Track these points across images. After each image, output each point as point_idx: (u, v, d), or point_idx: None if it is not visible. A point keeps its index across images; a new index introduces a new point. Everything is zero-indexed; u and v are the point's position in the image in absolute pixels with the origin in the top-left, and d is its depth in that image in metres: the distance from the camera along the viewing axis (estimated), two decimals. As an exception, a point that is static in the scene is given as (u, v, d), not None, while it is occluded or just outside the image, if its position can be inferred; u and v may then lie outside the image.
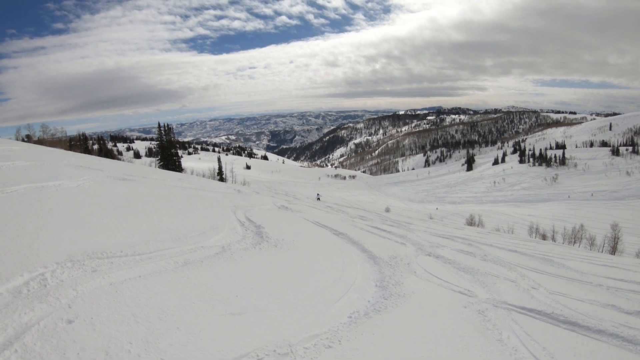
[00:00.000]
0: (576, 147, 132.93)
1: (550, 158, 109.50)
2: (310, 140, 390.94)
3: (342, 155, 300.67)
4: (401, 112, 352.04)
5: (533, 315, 4.10)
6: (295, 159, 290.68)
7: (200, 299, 3.12)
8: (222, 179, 38.31)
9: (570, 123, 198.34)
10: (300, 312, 3.26)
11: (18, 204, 4.74)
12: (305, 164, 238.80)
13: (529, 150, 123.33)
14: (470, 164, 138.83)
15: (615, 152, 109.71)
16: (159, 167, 36.09)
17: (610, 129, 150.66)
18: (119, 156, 68.77)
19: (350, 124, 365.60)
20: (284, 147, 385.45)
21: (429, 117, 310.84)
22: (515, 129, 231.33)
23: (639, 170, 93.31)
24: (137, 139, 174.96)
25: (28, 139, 35.42)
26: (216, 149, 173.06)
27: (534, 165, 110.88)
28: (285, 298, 3.51)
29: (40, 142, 32.67)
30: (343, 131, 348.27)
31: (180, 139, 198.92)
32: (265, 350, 2.53)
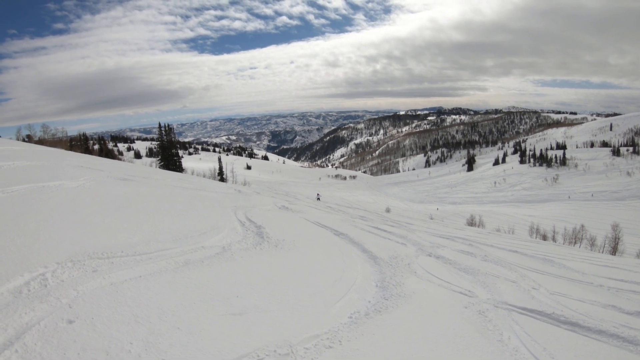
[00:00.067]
0: (577, 147, 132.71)
1: (551, 158, 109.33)
2: (310, 140, 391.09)
3: (342, 156, 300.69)
4: (402, 113, 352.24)
5: (534, 316, 4.10)
6: (296, 159, 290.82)
7: (200, 299, 3.12)
8: (222, 179, 38.30)
9: (571, 123, 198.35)
10: (300, 313, 3.26)
11: (19, 204, 4.75)
12: (306, 164, 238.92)
13: (530, 150, 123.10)
14: (470, 164, 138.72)
15: (616, 152, 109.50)
16: (159, 167, 36.12)
17: (610, 129, 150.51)
18: (120, 156, 68.76)
19: (351, 124, 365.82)
20: (285, 147, 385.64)
21: (429, 118, 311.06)
22: (515, 130, 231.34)
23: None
24: (137, 139, 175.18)
25: (29, 139, 35.44)
26: (217, 149, 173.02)
27: (534, 165, 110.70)
28: (286, 298, 3.51)
29: (41, 142, 32.68)
30: (344, 131, 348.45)
31: (181, 139, 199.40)
32: (265, 350, 2.53)
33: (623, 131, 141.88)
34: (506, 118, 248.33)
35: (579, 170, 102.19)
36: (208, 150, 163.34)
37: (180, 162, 39.85)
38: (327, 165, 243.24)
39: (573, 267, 7.64)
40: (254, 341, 2.62)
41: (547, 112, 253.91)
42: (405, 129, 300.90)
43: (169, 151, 38.53)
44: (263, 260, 4.63)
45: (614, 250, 31.97)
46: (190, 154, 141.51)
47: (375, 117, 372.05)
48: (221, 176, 40.02)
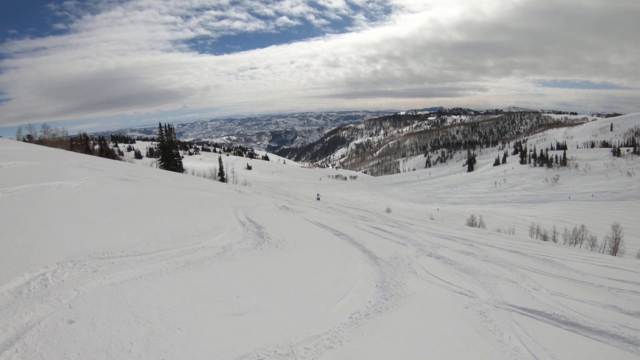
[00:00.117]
0: (577, 147, 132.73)
1: (551, 159, 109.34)
2: (311, 140, 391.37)
3: (343, 156, 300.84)
4: (402, 113, 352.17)
5: (534, 316, 4.09)
6: (296, 160, 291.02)
7: (201, 299, 3.12)
8: (223, 180, 38.33)
9: (572, 124, 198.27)
10: (301, 313, 3.26)
11: (19, 204, 4.75)
12: (306, 164, 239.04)
13: (530, 150, 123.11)
14: (471, 164, 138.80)
15: (617, 152, 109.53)
16: (160, 167, 36.14)
17: (611, 129, 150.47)
18: (120, 156, 68.84)
19: (351, 125, 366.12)
20: (285, 147, 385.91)
21: (430, 118, 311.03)
22: (516, 130, 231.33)
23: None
24: (138, 139, 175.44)
25: (29, 139, 35.53)
26: (217, 149, 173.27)
27: (535, 165, 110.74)
28: (286, 298, 3.51)
29: (42, 142, 32.76)
30: (344, 132, 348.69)
31: (181, 139, 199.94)
32: (266, 350, 2.53)
33: (623, 131, 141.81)
34: (506, 118, 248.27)
35: (580, 170, 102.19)
36: (208, 150, 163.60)
37: (181, 162, 39.88)
38: (328, 166, 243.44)
39: (573, 267, 7.64)
40: (254, 341, 2.62)
41: (548, 113, 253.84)
42: (405, 129, 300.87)
43: (169, 151, 38.56)
44: (263, 260, 4.63)
45: (614, 251, 31.98)
46: (190, 154, 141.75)
47: (376, 117, 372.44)
48: (222, 176, 40.05)
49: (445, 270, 5.77)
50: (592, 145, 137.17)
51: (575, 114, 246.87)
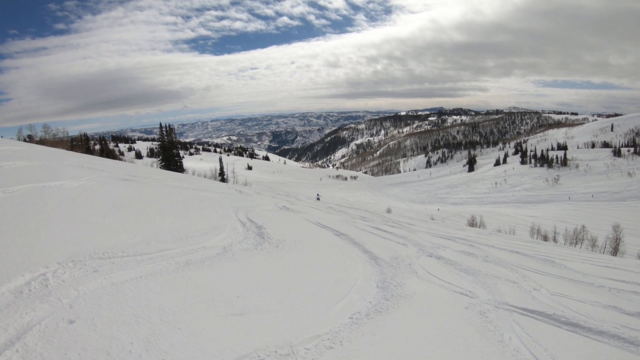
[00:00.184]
0: (578, 148, 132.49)
1: (552, 159, 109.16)
2: (311, 141, 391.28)
3: (343, 156, 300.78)
4: (403, 113, 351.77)
5: (534, 317, 4.09)
6: (297, 160, 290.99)
7: (201, 299, 3.12)
8: (223, 180, 38.31)
9: (572, 124, 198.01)
10: (301, 313, 3.26)
11: (20, 204, 4.75)
12: (307, 164, 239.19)
13: (531, 151, 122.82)
14: (471, 164, 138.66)
15: (617, 153, 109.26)
16: (160, 167, 36.13)
17: (611, 129, 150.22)
18: (121, 156, 68.82)
19: (352, 125, 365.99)
20: (286, 147, 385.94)
21: (430, 118, 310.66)
22: (516, 130, 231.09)
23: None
24: (138, 139, 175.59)
25: (30, 139, 35.53)
26: (217, 149, 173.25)
27: (535, 166, 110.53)
28: (287, 299, 3.51)
29: (42, 142, 32.76)
30: (344, 132, 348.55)
31: (182, 140, 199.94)
32: (266, 350, 2.53)
33: (624, 132, 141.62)
34: (507, 118, 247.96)
35: (580, 170, 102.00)
36: (209, 150, 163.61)
37: (181, 162, 39.88)
38: (328, 166, 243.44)
39: (574, 267, 7.63)
40: (254, 341, 2.62)
41: (548, 113, 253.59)
42: (406, 129, 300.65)
43: (169, 151, 38.56)
44: (264, 260, 4.63)
45: (614, 251, 31.93)
46: (191, 154, 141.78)
47: (376, 117, 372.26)
48: (222, 176, 40.02)
49: (445, 271, 5.77)
50: (593, 146, 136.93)
51: (576, 114, 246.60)
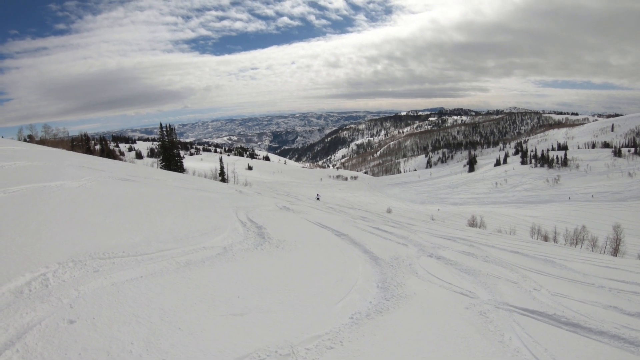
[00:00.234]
0: (578, 148, 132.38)
1: (552, 159, 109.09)
2: (312, 141, 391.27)
3: (343, 156, 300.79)
4: (403, 113, 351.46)
5: (535, 317, 4.09)
6: (297, 160, 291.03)
7: (201, 299, 3.12)
8: (223, 180, 38.31)
9: (572, 124, 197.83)
10: (302, 313, 3.26)
11: (20, 204, 4.76)
12: (307, 164, 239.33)
13: (531, 151, 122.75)
14: (472, 165, 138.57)
15: (617, 153, 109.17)
16: (160, 167, 36.14)
17: (612, 130, 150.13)
18: (121, 157, 68.82)
19: (352, 125, 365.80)
20: (286, 148, 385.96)
21: (430, 118, 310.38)
22: (517, 130, 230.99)
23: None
24: (139, 139, 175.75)
25: (30, 139, 35.53)
26: (218, 149, 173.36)
27: (535, 166, 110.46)
28: (287, 299, 3.51)
29: (43, 142, 32.77)
30: (345, 132, 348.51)
31: (182, 140, 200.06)
32: (267, 351, 2.53)
33: (624, 132, 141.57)
34: (507, 119, 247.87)
35: (581, 171, 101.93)
36: (209, 150, 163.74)
37: (182, 162, 39.89)
38: (329, 166, 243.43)
39: (574, 268, 7.63)
40: (255, 341, 2.62)
41: (549, 113, 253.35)
42: (406, 129, 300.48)
43: (170, 151, 38.58)
44: (264, 260, 4.63)
45: (615, 251, 31.89)
46: (191, 154, 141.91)
47: (377, 117, 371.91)
48: (222, 177, 40.02)
49: (446, 271, 5.77)
50: (593, 146, 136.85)
51: (576, 114, 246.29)
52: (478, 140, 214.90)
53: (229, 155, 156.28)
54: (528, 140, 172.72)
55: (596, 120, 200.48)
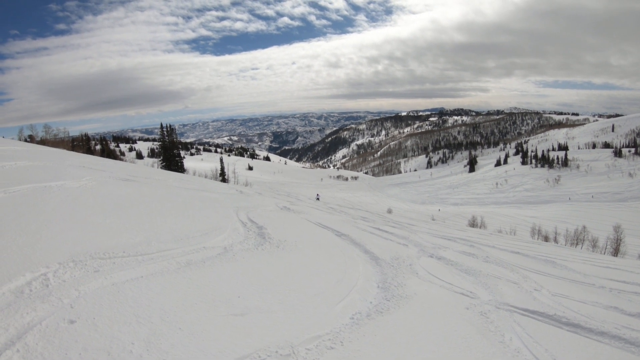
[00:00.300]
0: (579, 148, 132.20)
1: (553, 159, 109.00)
2: (312, 141, 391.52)
3: (344, 157, 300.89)
4: (403, 114, 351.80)
5: (535, 317, 4.08)
6: (298, 160, 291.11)
7: (202, 299, 3.12)
8: (224, 180, 38.31)
9: (573, 124, 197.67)
10: (302, 313, 3.26)
11: (21, 204, 4.76)
12: (308, 165, 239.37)
13: (532, 151, 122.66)
14: (472, 165, 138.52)
15: (618, 153, 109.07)
16: (161, 167, 36.15)
17: (612, 130, 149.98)
18: (122, 157, 68.81)
19: (353, 125, 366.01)
20: (286, 148, 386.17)
21: (431, 119, 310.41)
22: (517, 130, 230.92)
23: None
24: (139, 139, 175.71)
25: (31, 139, 35.56)
26: (218, 149, 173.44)
27: (536, 166, 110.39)
28: (288, 299, 3.51)
29: (43, 142, 32.81)
30: (345, 132, 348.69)
31: (183, 140, 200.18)
32: (267, 351, 2.53)
33: (625, 132, 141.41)
34: (508, 119, 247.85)
35: (581, 171, 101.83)
36: (210, 150, 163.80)
37: (182, 162, 39.89)
38: (329, 166, 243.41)
39: (575, 268, 7.62)
40: (255, 342, 2.62)
41: (549, 113, 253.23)
42: (407, 129, 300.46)
43: (170, 152, 38.59)
44: (265, 261, 4.63)
45: (615, 252, 31.86)
46: (192, 154, 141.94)
47: (377, 118, 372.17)
48: (223, 177, 40.02)
49: (446, 271, 5.76)
50: (594, 146, 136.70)
51: (577, 114, 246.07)
52: (478, 140, 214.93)
53: (229, 155, 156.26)
54: (528, 140, 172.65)
55: (597, 120, 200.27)
